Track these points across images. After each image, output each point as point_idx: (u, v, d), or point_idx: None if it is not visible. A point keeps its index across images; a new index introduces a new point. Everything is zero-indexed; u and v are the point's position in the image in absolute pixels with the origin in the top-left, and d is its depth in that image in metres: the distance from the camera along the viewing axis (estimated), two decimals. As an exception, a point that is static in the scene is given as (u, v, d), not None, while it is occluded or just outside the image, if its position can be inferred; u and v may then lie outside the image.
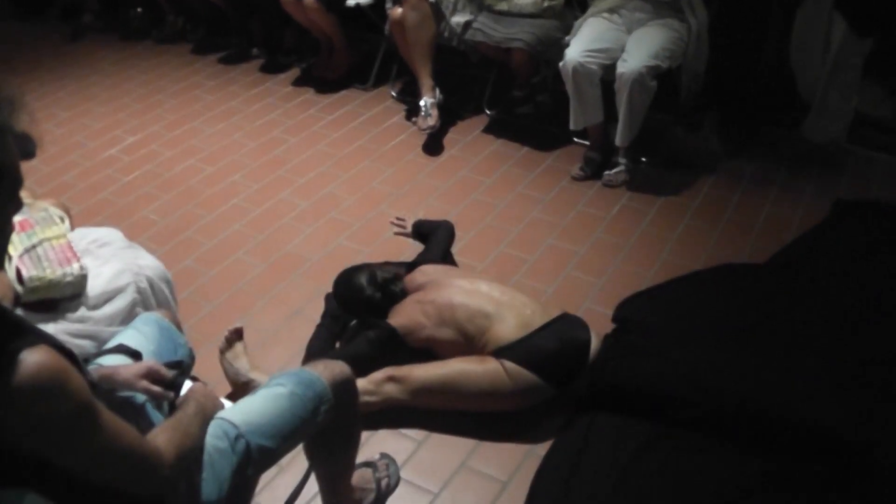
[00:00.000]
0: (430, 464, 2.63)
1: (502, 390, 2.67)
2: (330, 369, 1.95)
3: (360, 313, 3.01)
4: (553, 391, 2.71)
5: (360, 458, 2.42)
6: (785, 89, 4.43)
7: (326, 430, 1.94)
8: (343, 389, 1.94)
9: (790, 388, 2.67)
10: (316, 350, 2.97)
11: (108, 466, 1.40)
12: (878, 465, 2.45)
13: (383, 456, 2.57)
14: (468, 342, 2.77)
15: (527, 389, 2.68)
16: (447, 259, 3.35)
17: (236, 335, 2.84)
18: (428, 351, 2.85)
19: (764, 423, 2.55)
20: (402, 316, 2.87)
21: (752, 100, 4.56)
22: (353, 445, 2.14)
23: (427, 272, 3.06)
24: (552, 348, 2.71)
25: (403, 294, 3.00)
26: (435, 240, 3.37)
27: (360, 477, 2.41)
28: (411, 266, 3.15)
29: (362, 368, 2.70)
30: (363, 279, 3.00)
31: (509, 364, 2.67)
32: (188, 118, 4.79)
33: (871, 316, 3.09)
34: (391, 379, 2.70)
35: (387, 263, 3.24)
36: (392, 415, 2.74)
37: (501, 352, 2.70)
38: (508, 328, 2.73)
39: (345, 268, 3.11)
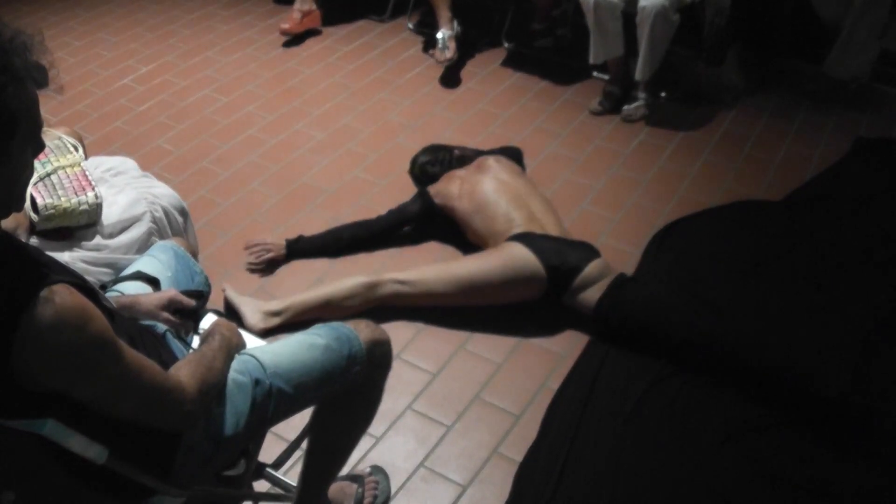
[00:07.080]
0: (443, 396, 2.64)
1: (493, 265, 2.82)
2: (370, 330, 1.90)
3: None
4: (544, 276, 2.79)
5: (356, 460, 2.38)
6: (809, 24, 4.35)
7: (346, 395, 1.89)
8: (378, 353, 1.89)
9: (796, 342, 2.69)
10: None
11: (130, 402, 1.40)
12: (878, 427, 2.47)
13: (375, 470, 2.35)
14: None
15: (519, 268, 2.80)
16: None
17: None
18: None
19: (765, 376, 2.57)
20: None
21: (775, 35, 4.47)
22: (363, 422, 2.03)
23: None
24: (555, 241, 2.90)
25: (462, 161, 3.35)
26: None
27: (338, 490, 2.24)
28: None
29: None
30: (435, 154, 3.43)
31: (510, 241, 2.87)
32: (202, 48, 4.74)
33: (888, 254, 3.08)
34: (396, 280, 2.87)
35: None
36: (407, 346, 2.77)
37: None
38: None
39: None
